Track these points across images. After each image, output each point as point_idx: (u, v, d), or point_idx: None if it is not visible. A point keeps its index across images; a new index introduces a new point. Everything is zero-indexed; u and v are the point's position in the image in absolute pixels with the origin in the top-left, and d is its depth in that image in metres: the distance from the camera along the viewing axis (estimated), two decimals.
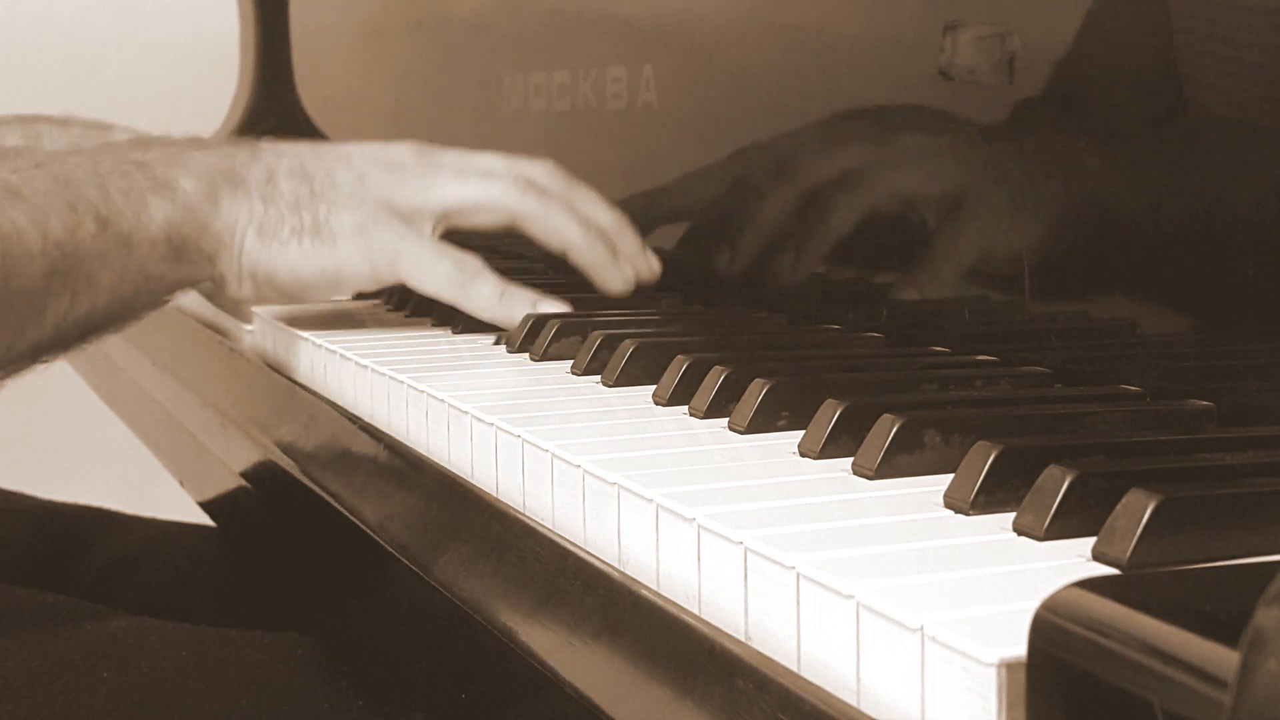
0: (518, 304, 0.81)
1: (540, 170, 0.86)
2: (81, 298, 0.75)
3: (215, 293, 0.84)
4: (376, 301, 0.98)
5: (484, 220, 0.84)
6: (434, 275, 0.81)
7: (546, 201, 0.84)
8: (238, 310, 0.94)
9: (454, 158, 0.86)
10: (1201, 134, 0.59)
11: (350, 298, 1.05)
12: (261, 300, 0.83)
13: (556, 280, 0.91)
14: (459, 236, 0.85)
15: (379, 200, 0.82)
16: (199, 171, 0.79)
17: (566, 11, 1.05)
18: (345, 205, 0.81)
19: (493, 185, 0.84)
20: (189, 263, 0.79)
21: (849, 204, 0.78)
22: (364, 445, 0.73)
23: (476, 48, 1.19)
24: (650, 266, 0.87)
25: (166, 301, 0.83)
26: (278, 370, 0.89)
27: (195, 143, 0.83)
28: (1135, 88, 0.63)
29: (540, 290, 0.83)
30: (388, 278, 0.82)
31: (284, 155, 0.82)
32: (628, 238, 0.86)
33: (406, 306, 0.93)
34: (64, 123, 1.06)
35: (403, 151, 0.85)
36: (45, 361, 0.79)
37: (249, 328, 0.81)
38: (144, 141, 0.82)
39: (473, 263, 0.82)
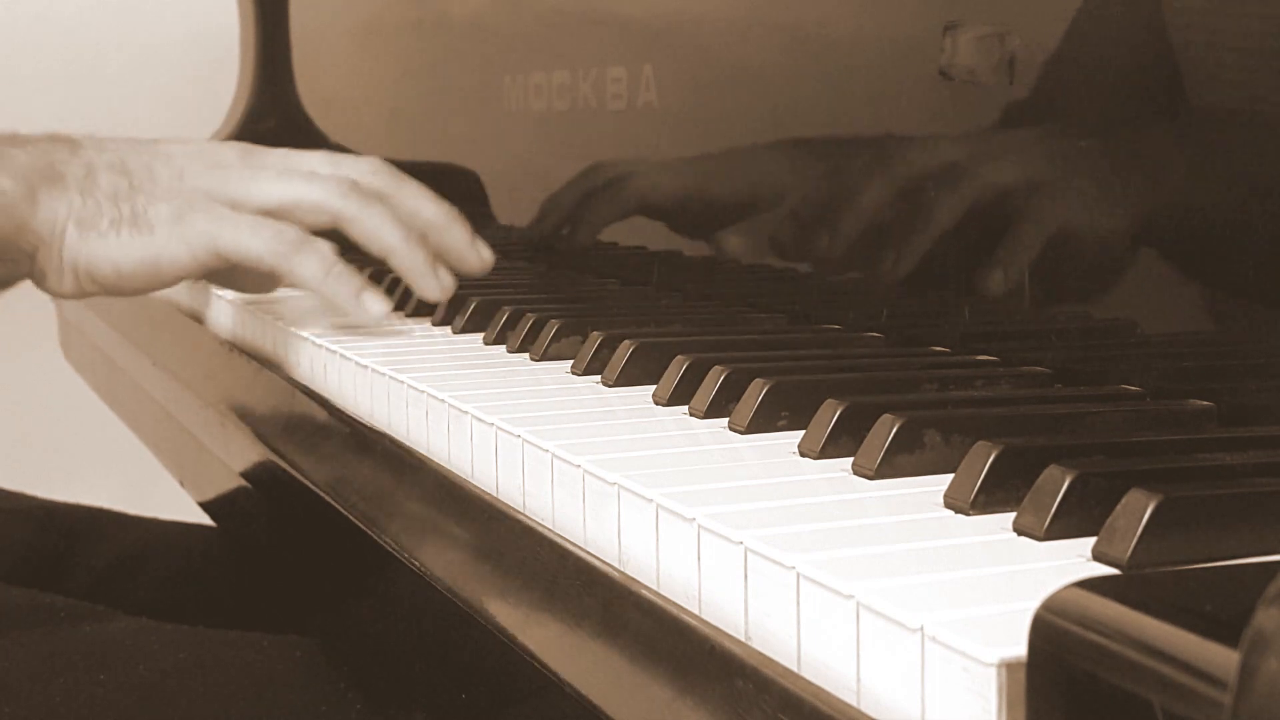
0: (342, 283, 0.81)
1: (365, 169, 0.86)
2: None
3: (39, 285, 0.84)
4: None
5: (306, 219, 0.84)
6: (254, 245, 0.81)
7: (367, 205, 0.83)
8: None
9: (278, 158, 0.86)
10: (1201, 133, 0.59)
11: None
12: (82, 294, 0.83)
13: (554, 278, 0.91)
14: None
15: (197, 190, 0.82)
16: (16, 171, 0.79)
17: (566, 11, 1.05)
18: (163, 196, 0.81)
19: (314, 186, 0.83)
20: (9, 261, 0.80)
21: (854, 203, 0.78)
22: (364, 445, 0.73)
23: (476, 48, 1.19)
24: (481, 257, 0.87)
25: None
26: (277, 370, 0.89)
27: (14, 140, 0.82)
28: (1135, 87, 0.63)
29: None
30: (207, 259, 0.81)
31: (105, 150, 0.83)
32: (455, 232, 0.86)
33: (406, 306, 0.93)
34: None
35: (227, 151, 0.85)
36: None
37: (225, 295, 0.80)
38: None
39: (295, 233, 0.81)
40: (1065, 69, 0.65)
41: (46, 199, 0.79)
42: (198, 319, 1.07)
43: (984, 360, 0.68)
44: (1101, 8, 0.63)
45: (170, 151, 0.84)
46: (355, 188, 0.84)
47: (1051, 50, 0.65)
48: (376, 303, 0.82)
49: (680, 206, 0.92)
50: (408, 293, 0.94)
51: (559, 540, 0.55)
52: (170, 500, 1.24)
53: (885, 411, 0.53)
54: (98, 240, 0.80)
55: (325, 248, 0.81)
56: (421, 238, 0.85)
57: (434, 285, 0.84)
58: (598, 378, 0.71)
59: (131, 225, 0.80)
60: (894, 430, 0.52)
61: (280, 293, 1.03)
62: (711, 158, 0.89)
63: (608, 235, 1.01)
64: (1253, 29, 0.57)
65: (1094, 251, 0.64)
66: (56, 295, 0.83)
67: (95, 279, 0.81)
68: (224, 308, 1.02)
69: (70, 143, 0.83)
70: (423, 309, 0.91)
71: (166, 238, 0.80)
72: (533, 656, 0.52)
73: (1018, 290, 0.67)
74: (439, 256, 0.87)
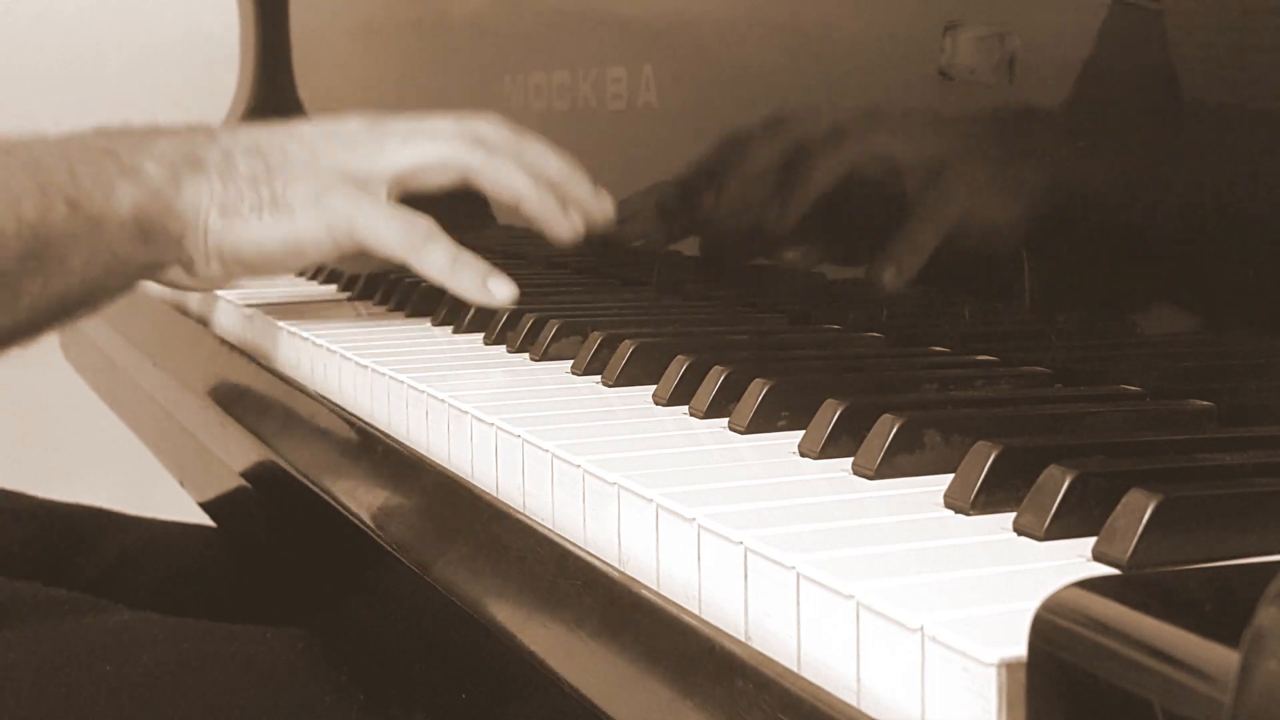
0: (467, 272, 0.83)
1: (487, 126, 0.88)
2: (54, 279, 0.77)
3: (183, 275, 0.85)
4: (375, 301, 0.98)
5: (437, 179, 0.86)
6: (388, 236, 0.83)
7: (495, 156, 0.85)
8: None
9: (402, 123, 0.87)
10: (1201, 133, 0.59)
11: (310, 276, 1.06)
12: (229, 278, 0.85)
13: (554, 277, 0.91)
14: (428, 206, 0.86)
15: (333, 169, 0.84)
16: (161, 156, 0.81)
17: (566, 11, 1.05)
18: (300, 177, 0.83)
19: (441, 144, 0.85)
20: (156, 244, 0.81)
21: (853, 203, 0.78)
22: (364, 445, 0.73)
23: (476, 48, 1.19)
24: (604, 209, 0.88)
25: (135, 284, 0.85)
26: (277, 370, 0.89)
27: (156, 129, 0.84)
28: (1135, 87, 0.63)
29: (509, 274, 0.84)
30: (346, 244, 0.83)
31: (239, 135, 0.84)
32: (578, 183, 0.88)
33: (407, 306, 0.94)
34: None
35: (353, 123, 0.87)
36: (20, 344, 0.81)
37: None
38: (107, 130, 0.84)
39: (425, 224, 0.83)
40: (1066, 69, 0.65)
41: (190, 184, 0.81)
42: (202, 320, 1.07)
43: (984, 360, 0.68)
44: (1103, 7, 0.63)
45: (301, 131, 0.86)
46: (480, 141, 0.86)
47: (1052, 50, 0.65)
48: (504, 287, 0.83)
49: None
50: (408, 294, 0.94)
51: (559, 540, 0.55)
52: (170, 500, 1.24)
53: (885, 411, 0.53)
54: (241, 225, 0.82)
55: (448, 242, 0.83)
56: (550, 184, 0.86)
57: (566, 227, 0.86)
58: (598, 378, 0.71)
59: (272, 207, 0.82)
60: (894, 430, 0.52)
61: (279, 293, 1.03)
62: (712, 158, 0.89)
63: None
64: (1252, 28, 0.57)
65: (1095, 251, 0.64)
66: (206, 280, 0.85)
67: (241, 262, 0.83)
68: (226, 309, 1.02)
69: (207, 130, 0.85)
70: (423, 309, 0.91)
71: (306, 219, 0.82)
72: (532, 656, 0.52)
73: (1018, 290, 0.67)
74: (564, 205, 0.88)
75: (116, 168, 0.79)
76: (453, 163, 0.85)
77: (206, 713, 0.70)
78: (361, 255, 0.86)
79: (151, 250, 0.81)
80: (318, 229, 0.82)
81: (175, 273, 0.85)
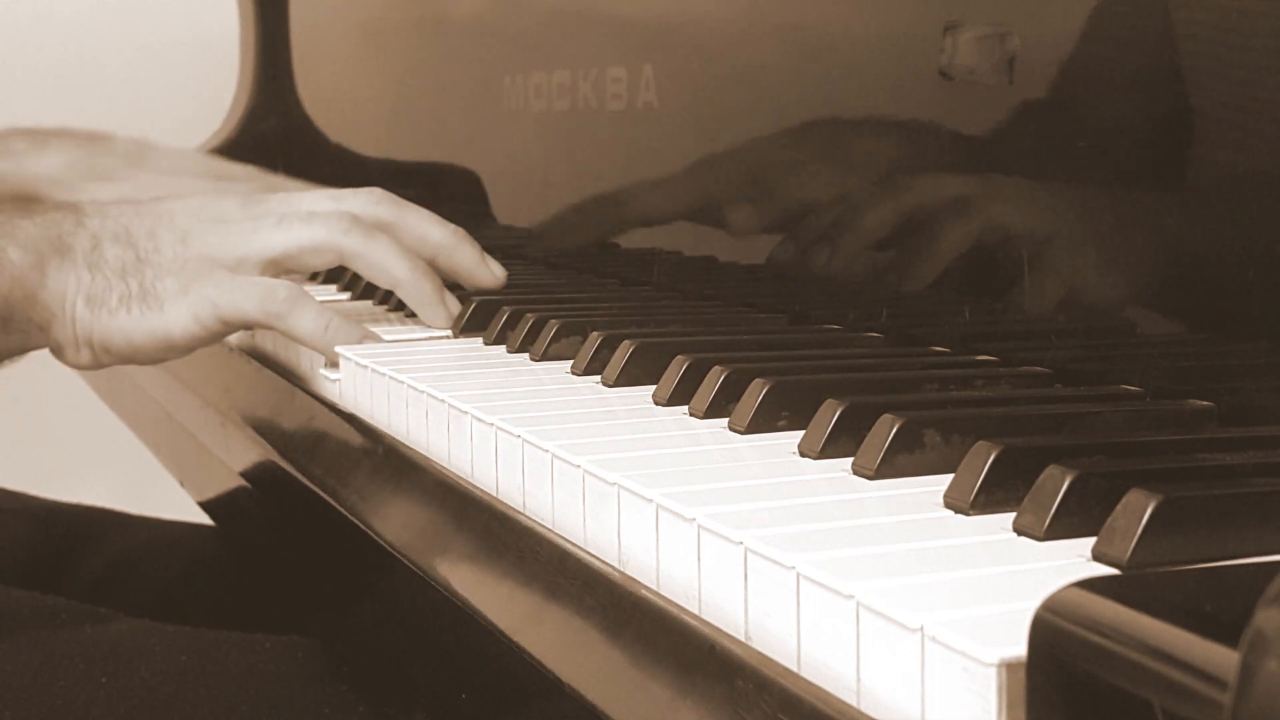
0: (342, 335, 0.81)
1: (366, 200, 0.86)
2: None
3: (57, 357, 0.84)
4: (376, 302, 0.98)
5: (312, 261, 0.84)
6: (248, 307, 0.81)
7: (371, 239, 0.83)
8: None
9: (277, 203, 0.86)
10: (1201, 133, 0.59)
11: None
12: (100, 366, 0.84)
13: (554, 277, 0.91)
14: None
15: (201, 256, 0.82)
16: (26, 243, 0.80)
17: (566, 11, 1.05)
18: (169, 268, 0.81)
19: (315, 228, 0.83)
20: (18, 331, 0.80)
21: (853, 204, 0.78)
22: (364, 445, 0.73)
23: (476, 48, 1.19)
24: (494, 274, 0.87)
25: (1, 366, 0.84)
26: (277, 370, 0.89)
27: (22, 209, 0.83)
28: (1135, 87, 0.63)
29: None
30: (214, 326, 0.82)
31: (108, 218, 0.83)
32: (465, 252, 0.86)
33: (406, 307, 0.93)
34: (62, 134, 1.06)
35: (228, 203, 0.85)
36: None
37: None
38: None
39: (287, 290, 0.81)
40: (1066, 69, 0.65)
41: (55, 272, 0.80)
42: None
43: (984, 360, 0.68)
44: (1104, 7, 0.63)
45: (173, 212, 0.84)
46: (356, 222, 0.84)
47: (1052, 51, 0.65)
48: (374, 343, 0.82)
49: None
50: None
51: (559, 540, 0.55)
52: (170, 500, 1.24)
53: (885, 411, 0.53)
54: (108, 317, 0.81)
55: (315, 306, 0.82)
56: (429, 264, 0.85)
57: (442, 314, 0.85)
58: (598, 378, 0.71)
59: (141, 301, 0.81)
60: (894, 430, 0.52)
61: None
62: (712, 158, 0.89)
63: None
64: (1254, 29, 0.57)
65: (1095, 251, 0.64)
66: (76, 367, 0.84)
67: (110, 352, 0.82)
68: None
69: (75, 211, 0.83)
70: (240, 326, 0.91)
71: (175, 311, 0.81)
72: (533, 657, 0.52)
73: (1018, 290, 0.67)
74: (451, 276, 0.87)
75: None
76: (328, 245, 0.83)
77: None
78: (235, 331, 0.85)
79: (13, 338, 0.81)
80: (185, 319, 0.81)
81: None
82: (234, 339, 0.99)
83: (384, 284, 0.85)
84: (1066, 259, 0.65)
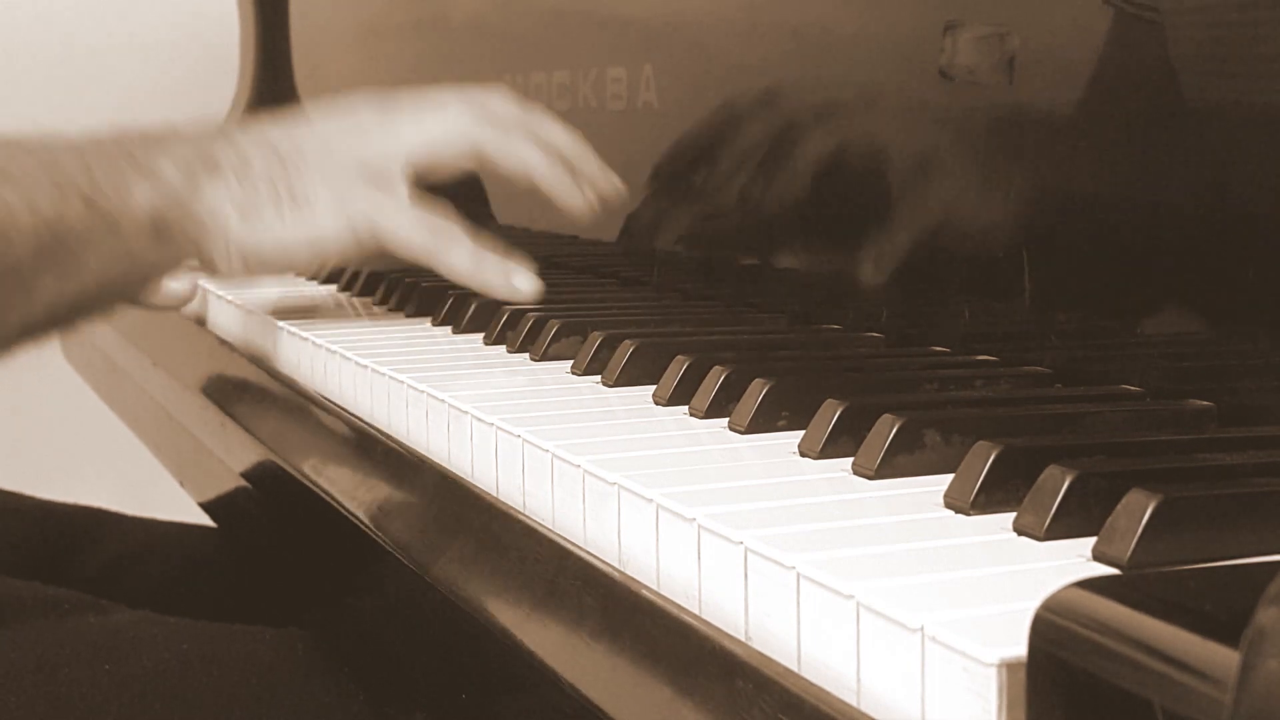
0: (490, 269, 0.83)
1: (495, 99, 0.88)
2: (70, 278, 0.77)
3: (206, 273, 0.85)
4: (376, 301, 0.98)
5: (450, 155, 0.85)
6: (411, 238, 0.82)
7: (506, 131, 0.85)
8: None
9: (409, 101, 0.88)
10: (1201, 133, 0.59)
11: (309, 277, 1.06)
12: (251, 276, 0.84)
13: (554, 277, 0.91)
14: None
15: (349, 162, 0.83)
16: (178, 157, 0.81)
17: (566, 11, 1.05)
18: (318, 174, 0.83)
19: (450, 121, 0.85)
20: (173, 245, 0.81)
21: (853, 203, 0.78)
22: (364, 445, 0.73)
23: (476, 48, 1.19)
24: (614, 185, 0.88)
25: (150, 283, 0.85)
26: (277, 370, 0.89)
27: (172, 131, 0.84)
28: (1135, 87, 0.63)
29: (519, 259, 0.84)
30: (369, 243, 0.83)
31: (251, 134, 0.84)
32: (587, 159, 0.88)
33: (407, 306, 0.94)
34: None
35: (362, 109, 0.87)
36: (34, 342, 0.80)
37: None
38: (123, 131, 0.84)
39: (447, 226, 0.83)
40: (1066, 68, 0.65)
41: (208, 187, 0.81)
42: (202, 321, 1.07)
43: (984, 360, 0.68)
44: (1104, 7, 0.63)
45: (311, 120, 0.86)
46: (489, 116, 0.85)
47: (1052, 50, 0.65)
48: (527, 280, 0.83)
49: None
50: (408, 294, 0.94)
51: (559, 540, 0.55)
52: (170, 500, 1.24)
53: (885, 411, 0.53)
54: (262, 225, 0.82)
55: (470, 241, 0.83)
56: (561, 157, 0.86)
57: (579, 199, 0.86)
58: (598, 378, 0.71)
59: (293, 206, 0.82)
60: (894, 430, 0.52)
61: (279, 293, 1.03)
62: (712, 158, 0.89)
63: (608, 234, 1.01)
64: (1251, 27, 0.57)
65: (1095, 251, 0.64)
66: (228, 279, 0.85)
67: (264, 262, 0.83)
68: (225, 309, 1.02)
69: (222, 131, 0.85)
70: (424, 309, 0.91)
71: (328, 218, 0.82)
72: (532, 656, 0.52)
73: (1018, 290, 0.67)
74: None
75: (133, 168, 0.79)
76: (463, 138, 0.85)
77: (206, 713, 0.70)
78: (382, 255, 0.86)
79: (168, 251, 0.81)
80: (340, 228, 0.82)
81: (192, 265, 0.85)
82: (235, 340, 0.99)
83: (519, 174, 0.86)
84: (1066, 258, 0.65)
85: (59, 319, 0.80)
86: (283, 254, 0.83)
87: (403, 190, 0.84)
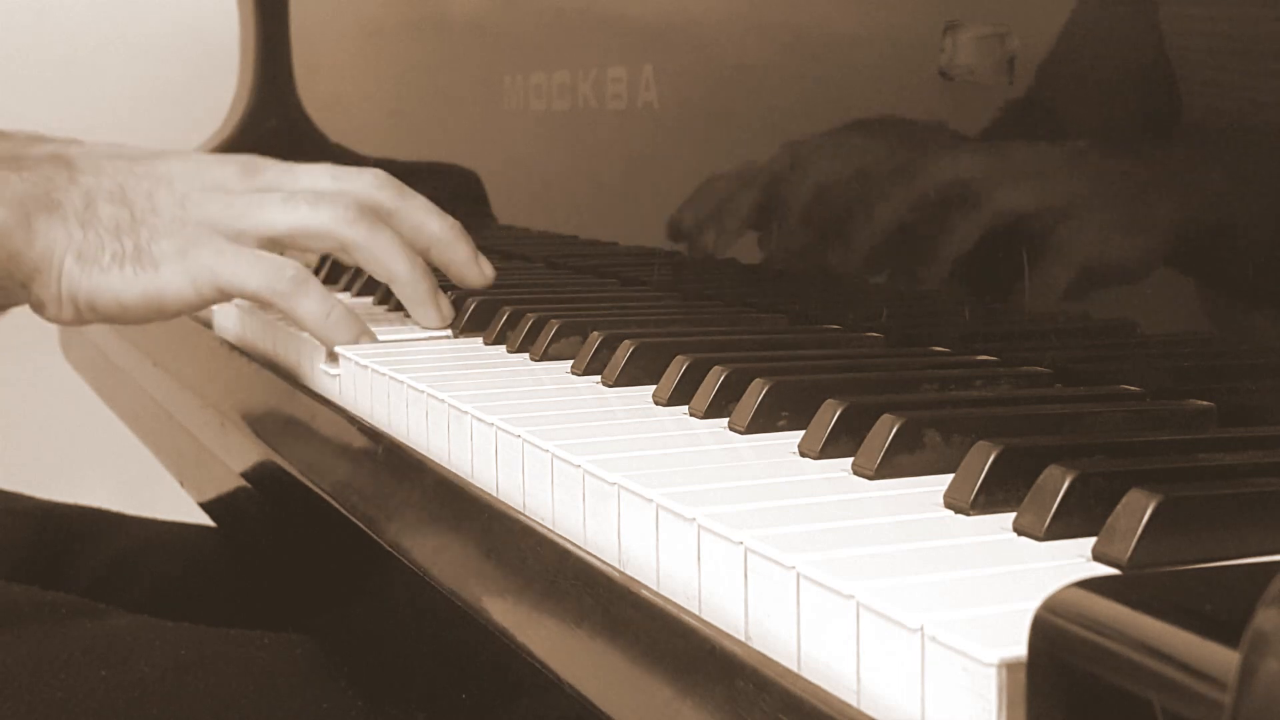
0: (342, 328, 0.81)
1: (369, 183, 0.85)
2: None
3: (37, 311, 0.83)
4: (376, 300, 0.98)
5: (312, 245, 0.84)
6: (253, 282, 0.80)
7: (374, 230, 0.83)
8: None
9: (279, 175, 0.85)
10: (1201, 133, 0.59)
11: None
12: (82, 322, 0.83)
13: (554, 277, 0.91)
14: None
15: (201, 223, 0.81)
16: (11, 198, 0.78)
17: (566, 12, 1.05)
18: (166, 231, 0.80)
19: (319, 213, 0.82)
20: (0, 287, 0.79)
21: (853, 203, 0.78)
22: (364, 445, 0.73)
23: (476, 48, 1.19)
24: (483, 273, 0.87)
25: None
26: (277, 370, 0.89)
27: (14, 162, 0.81)
28: (1135, 87, 0.63)
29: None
30: (211, 294, 0.81)
31: (103, 174, 0.81)
32: (460, 248, 0.86)
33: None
34: (37, 140, 1.06)
35: (228, 169, 0.84)
36: None
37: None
38: None
39: (294, 271, 0.81)
40: (1065, 70, 0.65)
41: (44, 228, 0.79)
42: (204, 323, 1.07)
43: (984, 360, 0.68)
44: (1103, 7, 0.63)
45: (171, 174, 0.83)
46: (362, 212, 0.83)
47: (1052, 50, 0.65)
48: (369, 337, 0.82)
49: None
50: None
51: (559, 540, 0.55)
52: (170, 500, 1.24)
53: (885, 411, 0.53)
54: (100, 274, 0.79)
55: (321, 290, 0.81)
56: (424, 254, 0.85)
57: (435, 315, 0.85)
58: (598, 378, 0.71)
59: (135, 261, 0.80)
60: (894, 430, 0.52)
61: None
62: (712, 158, 0.89)
63: (607, 235, 1.01)
64: (1250, 27, 0.57)
65: (1095, 251, 0.64)
66: (56, 322, 0.83)
67: (97, 310, 0.81)
68: (226, 309, 1.02)
69: (68, 166, 0.81)
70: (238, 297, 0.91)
71: (170, 274, 0.80)
72: (533, 656, 0.52)
73: (1018, 290, 0.67)
74: (443, 269, 0.87)
75: None
76: (330, 233, 0.82)
77: (204, 719, 0.70)
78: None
79: None
80: (181, 282, 0.80)
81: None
82: (236, 340, 0.99)
83: (381, 278, 0.85)
84: (1066, 258, 0.65)
85: None
86: (117, 305, 0.81)
87: (246, 248, 0.82)
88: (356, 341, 0.81)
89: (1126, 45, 0.63)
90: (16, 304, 0.82)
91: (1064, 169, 0.65)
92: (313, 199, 0.83)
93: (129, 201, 0.81)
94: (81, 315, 0.81)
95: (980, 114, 0.69)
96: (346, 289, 1.05)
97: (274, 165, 0.86)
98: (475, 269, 0.87)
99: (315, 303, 0.81)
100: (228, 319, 1.01)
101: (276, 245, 0.83)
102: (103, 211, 0.80)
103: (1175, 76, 0.60)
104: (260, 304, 0.82)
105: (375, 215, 0.84)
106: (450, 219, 0.87)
